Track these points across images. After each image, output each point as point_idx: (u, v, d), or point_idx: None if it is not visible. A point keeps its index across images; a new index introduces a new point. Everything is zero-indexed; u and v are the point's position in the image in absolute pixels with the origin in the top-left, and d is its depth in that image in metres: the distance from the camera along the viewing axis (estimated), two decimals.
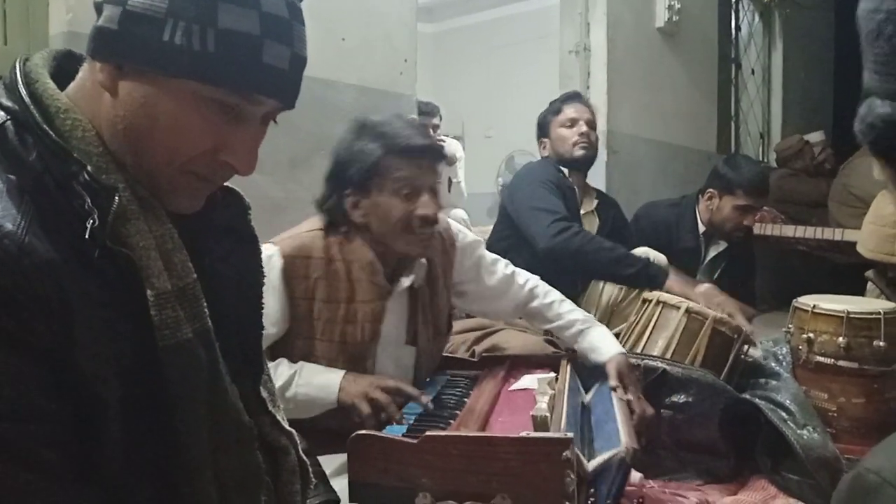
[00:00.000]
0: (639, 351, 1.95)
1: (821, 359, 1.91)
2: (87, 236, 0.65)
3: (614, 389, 1.51)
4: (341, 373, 1.40)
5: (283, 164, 2.24)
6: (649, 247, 2.47)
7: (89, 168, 0.67)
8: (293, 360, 1.43)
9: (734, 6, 5.06)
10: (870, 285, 2.37)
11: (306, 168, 2.23)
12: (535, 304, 1.71)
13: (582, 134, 2.48)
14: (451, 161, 3.70)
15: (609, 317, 2.46)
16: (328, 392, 1.37)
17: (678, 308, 1.96)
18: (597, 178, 3.43)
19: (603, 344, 1.63)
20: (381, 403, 1.33)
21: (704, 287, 2.20)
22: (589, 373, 1.64)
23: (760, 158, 5.49)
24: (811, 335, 1.93)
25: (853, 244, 2.32)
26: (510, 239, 2.43)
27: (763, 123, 5.57)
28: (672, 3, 4.00)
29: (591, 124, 2.53)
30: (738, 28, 5.15)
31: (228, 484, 0.75)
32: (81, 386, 0.64)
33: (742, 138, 5.27)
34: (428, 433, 1.13)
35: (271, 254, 1.39)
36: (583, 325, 1.67)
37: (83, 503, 0.64)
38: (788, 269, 4.68)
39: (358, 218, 1.42)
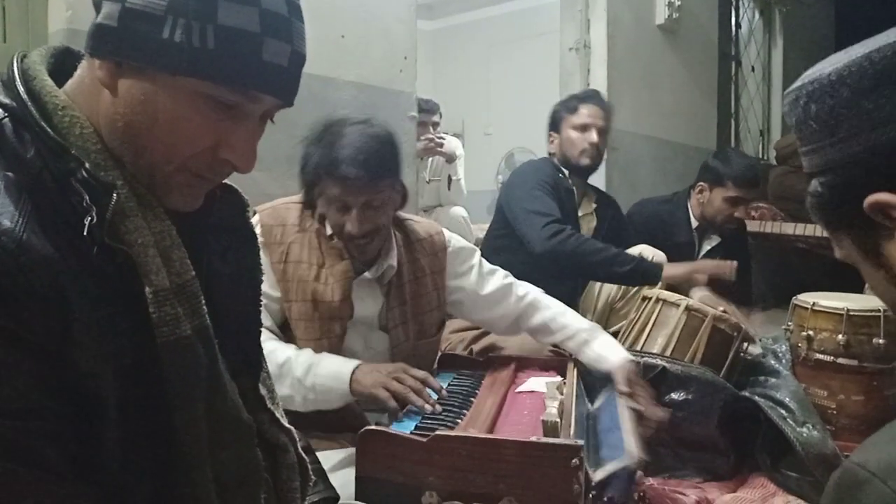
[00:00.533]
0: (638, 349, 1.96)
1: (820, 356, 1.91)
2: (85, 233, 0.65)
3: (625, 396, 1.50)
4: (355, 362, 1.41)
5: (281, 161, 2.23)
6: (644, 244, 2.48)
7: (87, 165, 0.67)
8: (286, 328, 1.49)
9: (734, 3, 5.05)
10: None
11: None
12: (536, 318, 1.69)
13: (592, 144, 2.45)
14: (450, 158, 3.69)
15: (608, 315, 2.47)
16: (341, 381, 1.38)
17: (678, 306, 1.96)
18: (596, 175, 3.41)
19: (608, 353, 1.61)
20: (400, 394, 1.34)
21: (702, 293, 2.21)
22: (593, 377, 1.63)
23: (760, 156, 5.49)
24: (811, 332, 1.93)
25: None
26: (506, 237, 2.43)
27: (763, 120, 5.57)
28: (672, 0, 4.00)
29: (603, 131, 2.49)
30: (738, 25, 5.15)
31: (227, 481, 0.75)
32: (80, 383, 0.64)
33: (742, 135, 5.27)
34: (437, 433, 1.14)
35: (254, 222, 1.41)
36: (587, 335, 1.65)
37: (81, 500, 0.64)
38: (788, 267, 4.68)
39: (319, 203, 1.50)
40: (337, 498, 1.01)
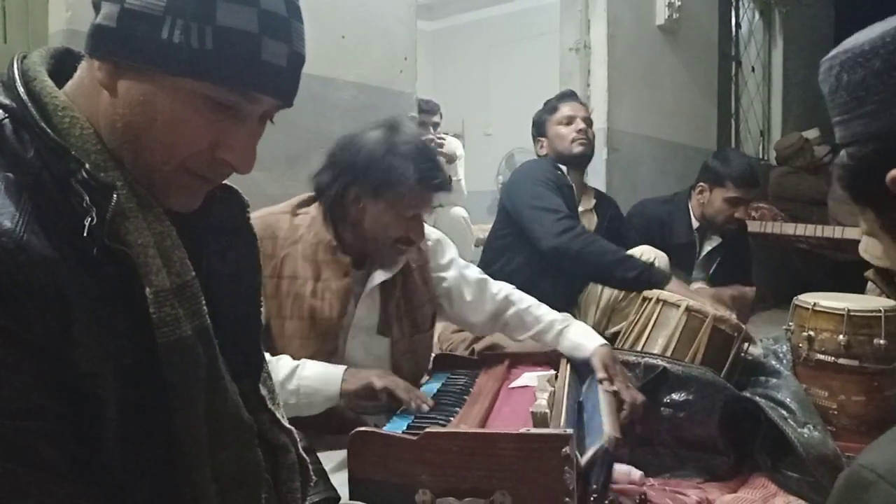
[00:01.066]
0: (639, 349, 1.95)
1: (821, 356, 1.91)
2: (85, 234, 0.65)
3: (601, 382, 1.53)
4: (343, 367, 1.40)
5: (281, 161, 2.24)
6: (645, 245, 2.47)
7: (87, 166, 0.67)
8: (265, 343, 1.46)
9: (734, 4, 5.05)
10: (870, 284, 2.37)
11: (304, 165, 2.23)
12: (511, 311, 1.70)
13: (580, 131, 2.47)
14: (450, 159, 3.70)
15: (609, 315, 2.46)
16: (330, 384, 1.37)
17: (678, 306, 1.96)
18: (596, 175, 3.43)
19: (584, 339, 1.64)
20: (389, 387, 1.34)
21: (695, 286, 2.20)
22: (586, 369, 1.64)
23: (760, 156, 5.49)
24: (811, 333, 1.93)
25: (853, 242, 2.32)
26: (508, 237, 2.43)
27: (763, 121, 5.58)
28: (672, 0, 4.00)
29: (588, 121, 2.53)
30: (738, 25, 5.15)
31: (228, 481, 0.75)
32: (80, 383, 0.64)
33: (742, 136, 5.27)
34: (428, 430, 1.14)
35: None
36: (561, 325, 1.68)
37: (81, 500, 0.64)
38: (789, 267, 4.68)
39: (353, 211, 1.46)
40: (338, 498, 1.01)
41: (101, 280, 0.66)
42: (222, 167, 0.74)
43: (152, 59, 0.67)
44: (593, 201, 2.63)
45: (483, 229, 2.93)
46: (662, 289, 2.09)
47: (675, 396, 1.80)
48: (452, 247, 1.73)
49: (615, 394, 1.51)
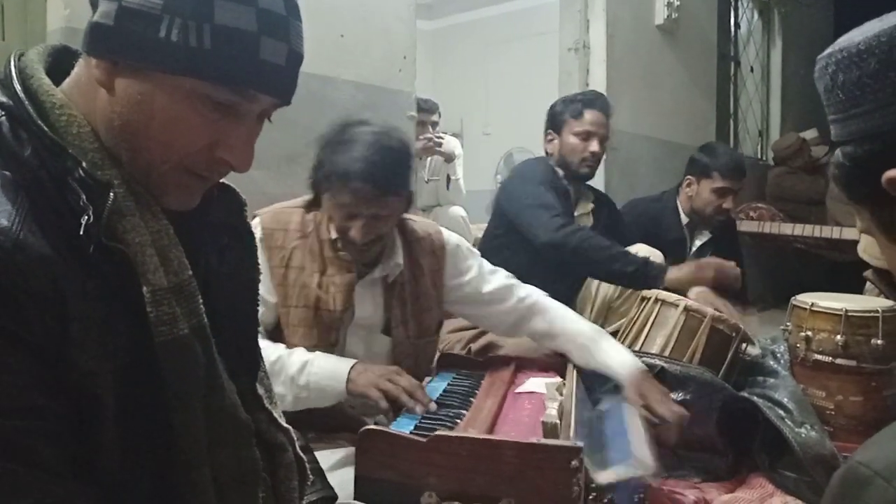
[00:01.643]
0: (637, 348, 1.95)
1: (819, 357, 1.91)
2: (82, 233, 0.65)
3: (640, 408, 1.49)
4: (351, 361, 1.41)
5: (279, 160, 2.24)
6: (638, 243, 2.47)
7: (84, 164, 0.67)
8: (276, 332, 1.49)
9: (733, 3, 5.06)
10: (868, 284, 2.37)
11: (303, 164, 2.21)
12: (538, 321, 1.67)
13: (593, 153, 2.43)
14: (449, 158, 3.70)
15: (605, 314, 2.46)
16: (337, 380, 1.38)
17: (676, 306, 1.96)
18: (595, 175, 3.42)
19: (615, 361, 1.59)
20: (392, 393, 1.34)
21: (697, 290, 2.20)
22: (596, 377, 1.62)
23: (759, 156, 5.50)
24: (809, 333, 1.93)
25: (851, 242, 2.32)
26: (504, 237, 2.42)
27: (762, 121, 5.58)
28: (671, 0, 4.00)
29: (604, 138, 2.48)
30: (737, 25, 5.16)
31: (225, 480, 0.75)
32: (77, 382, 0.64)
33: (740, 136, 5.28)
34: (437, 433, 1.13)
35: (254, 225, 1.42)
36: (590, 342, 1.63)
37: (79, 499, 0.64)
38: (786, 267, 4.69)
39: (324, 202, 1.50)
40: (335, 497, 1.01)
41: (99, 279, 0.66)
42: (220, 166, 0.73)
43: (150, 57, 0.67)
44: (591, 205, 2.62)
45: (481, 228, 2.93)
46: (660, 283, 2.10)
47: (673, 396, 1.79)
48: (475, 253, 1.72)
49: (654, 421, 1.47)
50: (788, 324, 2.04)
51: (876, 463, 0.54)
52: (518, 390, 1.52)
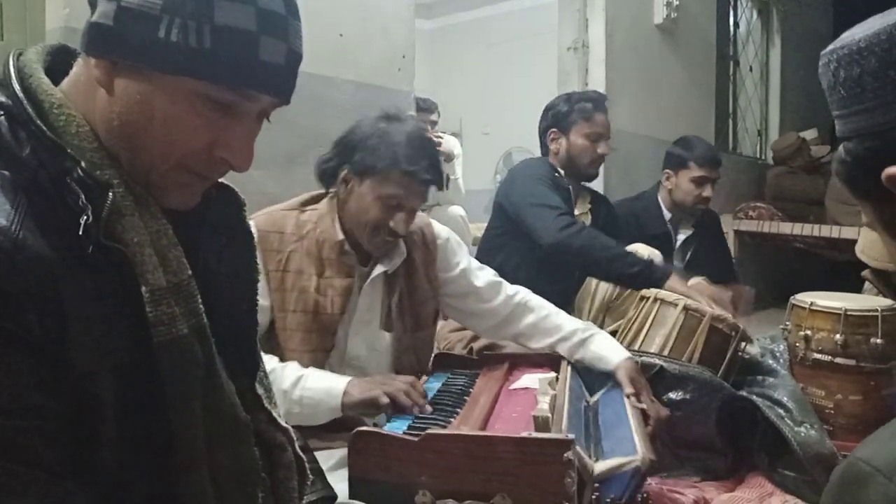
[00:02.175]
0: (636, 348, 1.95)
1: (818, 356, 1.91)
2: (81, 232, 0.65)
3: (629, 397, 1.50)
4: (346, 378, 1.39)
5: (279, 160, 2.24)
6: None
7: (83, 164, 0.67)
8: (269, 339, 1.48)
9: (732, 3, 5.06)
10: (867, 284, 2.37)
11: (303, 164, 2.23)
12: (527, 319, 1.67)
13: (602, 155, 2.45)
14: (448, 158, 3.69)
15: (604, 314, 2.46)
16: (332, 396, 1.36)
17: (676, 305, 1.96)
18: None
19: (608, 352, 1.60)
20: (390, 393, 1.34)
21: (693, 280, 2.21)
22: (591, 371, 1.63)
23: (758, 156, 5.51)
24: (808, 332, 1.93)
25: (850, 241, 2.32)
26: (504, 236, 2.42)
27: (761, 121, 5.58)
28: (670, 0, 4.00)
29: (609, 139, 2.49)
30: (736, 25, 5.16)
31: (224, 480, 0.75)
32: (76, 382, 0.64)
33: (740, 135, 5.28)
34: (429, 431, 1.13)
35: None
36: (583, 335, 1.64)
37: (79, 499, 0.64)
38: (786, 266, 4.69)
39: (342, 191, 1.50)
40: (335, 497, 1.01)
41: (98, 279, 0.66)
42: (220, 165, 0.73)
43: (149, 57, 0.66)
44: (588, 205, 2.62)
45: (480, 228, 2.93)
46: (662, 286, 2.09)
47: (672, 395, 1.80)
48: (464, 248, 1.72)
49: (642, 410, 1.48)
50: (788, 323, 2.04)
51: (876, 459, 0.54)
52: (512, 387, 1.52)
